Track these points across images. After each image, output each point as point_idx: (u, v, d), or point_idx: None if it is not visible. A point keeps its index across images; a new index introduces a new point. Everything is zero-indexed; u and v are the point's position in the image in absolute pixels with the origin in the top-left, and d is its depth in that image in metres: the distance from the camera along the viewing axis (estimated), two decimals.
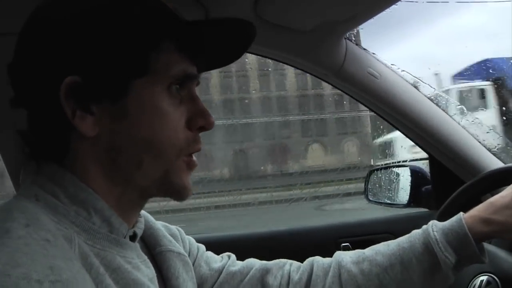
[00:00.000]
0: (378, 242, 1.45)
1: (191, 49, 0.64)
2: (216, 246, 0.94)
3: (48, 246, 0.49)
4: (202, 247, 0.90)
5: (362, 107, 1.30)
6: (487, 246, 0.85)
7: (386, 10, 1.07)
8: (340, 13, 1.06)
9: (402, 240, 0.84)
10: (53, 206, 0.56)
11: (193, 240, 0.89)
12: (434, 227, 0.80)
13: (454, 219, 0.80)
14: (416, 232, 0.83)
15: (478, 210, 0.79)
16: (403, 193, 1.61)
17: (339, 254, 0.87)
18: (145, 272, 0.64)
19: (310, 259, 0.90)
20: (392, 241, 0.85)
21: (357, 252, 0.86)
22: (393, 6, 1.04)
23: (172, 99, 0.63)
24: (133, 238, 0.66)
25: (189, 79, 0.64)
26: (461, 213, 0.80)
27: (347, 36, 1.20)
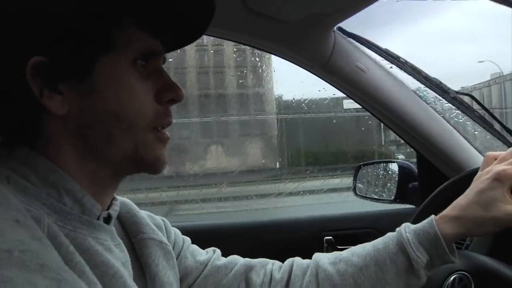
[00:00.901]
0: (361, 236, 1.50)
1: (153, 25, 0.64)
2: (198, 234, 0.94)
3: (16, 226, 0.49)
4: (188, 239, 0.90)
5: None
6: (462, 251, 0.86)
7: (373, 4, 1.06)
8: (328, 4, 1.05)
9: (378, 241, 0.86)
10: (23, 187, 0.56)
11: (179, 232, 0.89)
12: (407, 228, 0.82)
13: (426, 221, 0.82)
14: (390, 234, 0.85)
15: (447, 210, 0.81)
16: (390, 188, 1.61)
17: (317, 255, 0.90)
18: (118, 256, 0.64)
19: (290, 259, 0.92)
20: (368, 243, 0.87)
21: (335, 253, 0.89)
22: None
23: (138, 73, 0.63)
24: (107, 221, 0.66)
25: (153, 55, 0.65)
26: (432, 215, 0.82)
27: (336, 28, 1.19)
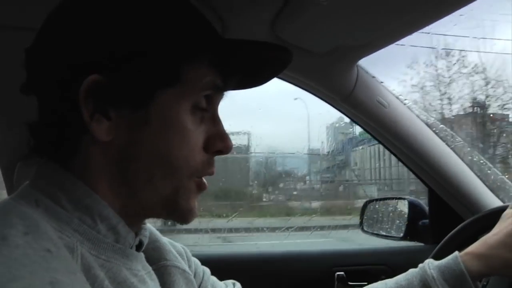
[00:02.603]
0: (373, 272, 1.47)
1: (223, 65, 0.60)
2: (207, 263, 0.90)
3: (49, 257, 0.45)
4: (207, 270, 0.86)
5: None
6: None
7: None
8: (356, 39, 1.07)
9: (400, 278, 0.84)
10: (54, 212, 0.52)
11: (198, 262, 0.84)
12: (431, 264, 0.81)
13: (450, 257, 0.80)
14: (413, 270, 0.83)
15: (472, 248, 0.80)
16: (399, 226, 1.60)
17: None
18: (150, 286, 0.61)
19: None
20: (389, 279, 0.86)
21: None
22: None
23: (195, 117, 0.59)
24: (138, 247, 0.63)
25: (216, 90, 0.62)
26: (456, 251, 0.81)
27: (359, 63, 1.21)
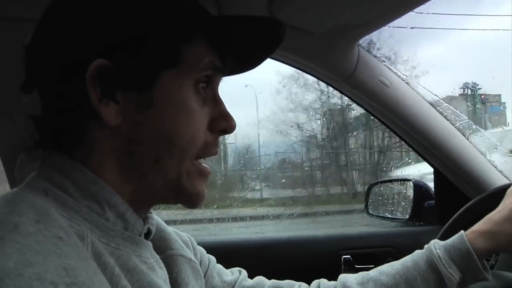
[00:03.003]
0: (379, 255, 1.46)
1: (221, 44, 0.61)
2: (212, 250, 0.90)
3: (61, 244, 0.45)
4: (213, 258, 0.86)
5: None
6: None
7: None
8: (355, 17, 1.05)
9: (406, 259, 0.84)
10: (64, 200, 0.53)
11: (204, 250, 0.85)
12: (436, 244, 0.81)
13: (455, 236, 0.80)
14: (419, 251, 0.83)
15: (478, 226, 0.80)
16: (405, 207, 1.59)
17: (343, 276, 0.88)
18: (159, 273, 0.61)
19: (316, 281, 0.90)
20: (395, 261, 0.85)
21: (362, 273, 0.86)
22: None
23: (198, 96, 0.60)
24: (146, 235, 0.63)
25: (216, 71, 0.62)
26: (462, 230, 0.81)
27: (360, 43, 1.19)
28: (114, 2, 0.56)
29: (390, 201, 1.66)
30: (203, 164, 0.63)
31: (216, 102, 0.63)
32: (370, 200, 1.69)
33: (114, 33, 0.55)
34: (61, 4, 0.58)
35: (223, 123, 0.63)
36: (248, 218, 4.78)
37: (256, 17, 0.63)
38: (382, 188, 1.70)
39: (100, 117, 0.55)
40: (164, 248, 0.71)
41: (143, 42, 0.55)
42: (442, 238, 0.84)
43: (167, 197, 0.62)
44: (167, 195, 0.61)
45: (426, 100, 1.27)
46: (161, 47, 0.57)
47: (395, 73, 1.23)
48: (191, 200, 0.62)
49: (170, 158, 0.58)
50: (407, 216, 1.55)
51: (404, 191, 1.61)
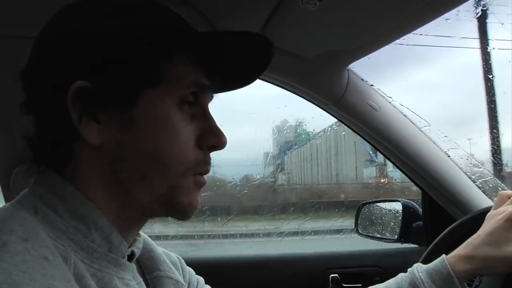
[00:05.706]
0: (367, 274, 1.48)
1: (205, 60, 0.61)
2: (200, 268, 0.90)
3: (46, 264, 0.47)
4: (201, 279, 0.87)
5: None
6: None
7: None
8: (346, 43, 1.09)
9: (390, 282, 0.86)
10: (52, 220, 0.54)
11: (193, 271, 0.85)
12: (419, 268, 0.83)
13: (437, 260, 0.82)
14: (402, 274, 0.85)
15: (458, 250, 0.82)
16: (394, 228, 1.61)
17: None
18: None
19: None
20: (380, 284, 0.87)
21: None
22: None
23: (183, 114, 0.60)
24: (130, 257, 0.64)
25: (202, 89, 0.62)
26: (444, 254, 0.83)
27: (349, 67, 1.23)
28: (92, 25, 0.57)
29: (379, 221, 1.68)
30: (201, 176, 0.63)
31: (205, 118, 0.63)
32: (360, 220, 1.71)
33: (93, 55, 0.56)
34: (47, 30, 0.60)
35: (212, 139, 0.62)
36: None
37: (239, 32, 0.62)
38: (371, 208, 1.72)
39: (82, 136, 0.56)
40: (152, 269, 0.72)
41: (122, 62, 0.56)
42: (426, 260, 0.86)
43: (156, 211, 0.63)
44: (156, 209, 0.62)
45: (413, 123, 1.31)
46: (141, 67, 0.57)
47: (384, 97, 1.27)
48: (183, 212, 0.62)
49: (157, 175, 0.59)
50: (396, 237, 1.57)
51: (393, 211, 1.63)
